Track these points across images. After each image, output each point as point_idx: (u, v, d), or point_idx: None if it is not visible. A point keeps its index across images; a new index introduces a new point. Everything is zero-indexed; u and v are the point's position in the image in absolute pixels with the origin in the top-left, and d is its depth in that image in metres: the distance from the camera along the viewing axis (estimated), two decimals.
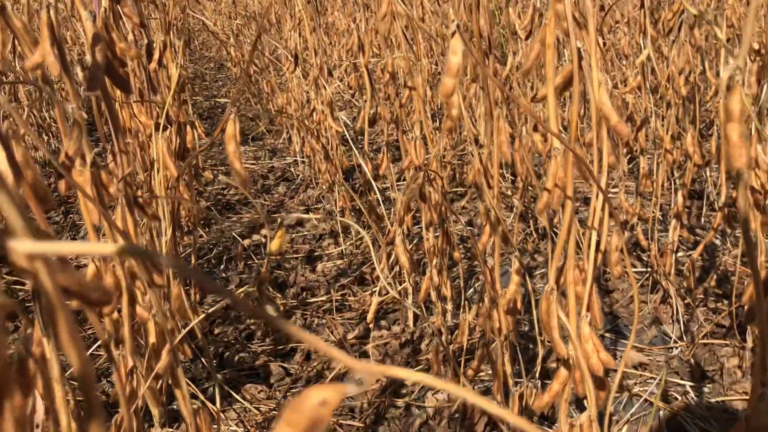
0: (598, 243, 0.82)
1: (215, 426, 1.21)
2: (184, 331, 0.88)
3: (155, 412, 0.94)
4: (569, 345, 0.86)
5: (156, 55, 1.27)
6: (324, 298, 1.93)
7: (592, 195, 0.82)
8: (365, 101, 1.93)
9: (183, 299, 1.03)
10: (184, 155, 1.35)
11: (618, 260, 0.79)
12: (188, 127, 1.36)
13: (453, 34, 0.60)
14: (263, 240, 2.39)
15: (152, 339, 0.77)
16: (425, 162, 1.50)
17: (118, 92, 1.22)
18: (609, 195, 1.83)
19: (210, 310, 1.74)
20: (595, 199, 0.81)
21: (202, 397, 1.30)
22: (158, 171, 1.22)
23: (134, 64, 1.27)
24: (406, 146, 1.58)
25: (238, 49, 4.40)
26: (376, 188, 1.82)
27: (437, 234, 1.51)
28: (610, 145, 0.80)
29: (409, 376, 0.23)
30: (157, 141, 1.19)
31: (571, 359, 0.87)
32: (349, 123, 3.92)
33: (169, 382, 0.84)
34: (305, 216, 2.51)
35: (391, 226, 1.67)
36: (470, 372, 1.34)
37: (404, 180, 2.61)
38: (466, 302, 1.68)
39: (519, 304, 1.20)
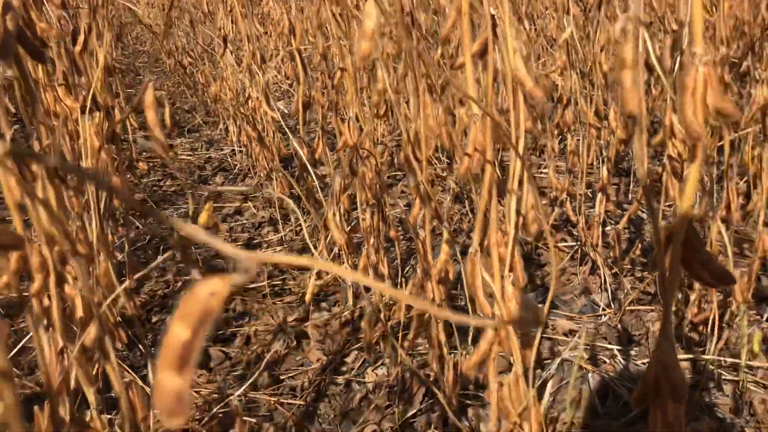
0: (518, 206, 0.85)
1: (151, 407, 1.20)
2: (110, 297, 0.88)
3: (89, 392, 0.94)
4: (495, 306, 0.89)
5: (81, 38, 1.25)
6: (264, 283, 1.93)
7: (511, 160, 0.85)
8: (300, 89, 1.94)
9: (111, 274, 1.02)
10: (114, 140, 1.33)
11: (534, 218, 0.83)
12: (116, 111, 1.35)
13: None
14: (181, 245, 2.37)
15: (79, 313, 0.76)
16: (359, 141, 1.52)
17: (41, 74, 1.20)
18: (540, 174, 1.89)
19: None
20: (513, 164, 0.84)
21: (141, 383, 1.29)
22: (86, 156, 1.21)
23: (60, 49, 1.25)
24: (340, 128, 1.59)
25: (171, 41, 4.33)
26: (312, 173, 1.83)
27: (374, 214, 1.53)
28: (527, 110, 0.83)
29: (291, 261, 0.24)
30: (83, 123, 1.17)
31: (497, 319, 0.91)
32: (287, 112, 3.91)
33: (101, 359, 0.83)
34: (227, 189, 2.51)
35: (327, 205, 1.68)
36: (407, 344, 1.37)
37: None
38: (404, 279, 1.71)
39: (450, 275, 1.24)
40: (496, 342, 0.93)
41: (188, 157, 3.26)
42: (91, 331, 0.72)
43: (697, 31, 0.58)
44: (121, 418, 0.82)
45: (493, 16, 0.78)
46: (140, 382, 1.30)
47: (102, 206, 1.13)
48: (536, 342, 0.88)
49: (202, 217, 0.89)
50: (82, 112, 1.18)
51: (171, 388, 0.24)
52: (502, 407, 0.94)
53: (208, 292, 0.23)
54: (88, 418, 0.94)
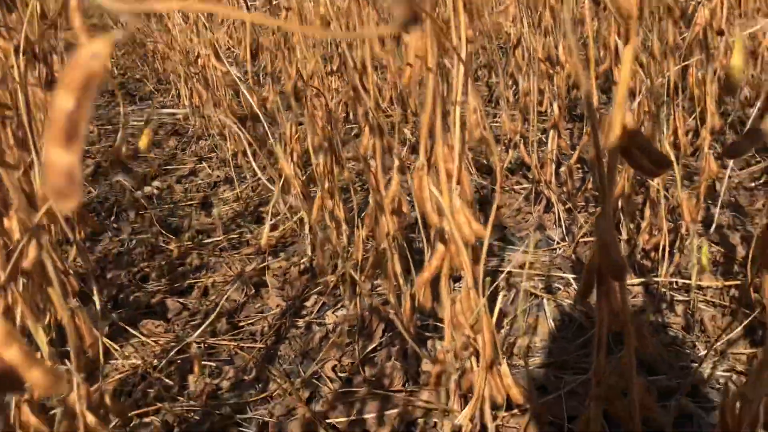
0: (462, 119, 0.85)
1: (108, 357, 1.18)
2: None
3: (35, 329, 0.92)
4: (444, 221, 0.89)
5: None
6: (221, 238, 1.91)
7: (454, 71, 0.84)
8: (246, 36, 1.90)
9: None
10: (52, 85, 1.29)
11: (476, 123, 0.83)
12: (54, 57, 1.30)
13: None
14: (155, 191, 2.33)
15: (16, 236, 0.74)
16: (306, 78, 1.50)
17: None
18: (493, 123, 1.88)
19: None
20: (456, 73, 0.84)
21: (97, 333, 1.27)
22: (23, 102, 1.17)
23: None
24: (287, 70, 1.57)
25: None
26: (264, 123, 1.81)
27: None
28: (467, 18, 0.82)
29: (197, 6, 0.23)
30: (17, 62, 1.13)
31: (446, 234, 0.91)
32: (241, 77, 3.84)
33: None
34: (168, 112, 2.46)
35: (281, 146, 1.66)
36: (365, 281, 1.37)
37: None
38: (360, 222, 1.70)
39: (404, 207, 1.24)
40: (447, 258, 0.93)
41: (140, 123, 3.19)
42: (30, 253, 0.70)
43: None
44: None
45: None
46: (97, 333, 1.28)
47: None
48: (485, 251, 0.88)
49: (142, 142, 0.87)
50: (15, 52, 1.14)
51: (60, 165, 0.23)
52: (455, 323, 0.95)
53: (89, 55, 0.22)
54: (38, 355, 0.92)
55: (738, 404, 0.68)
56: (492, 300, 0.96)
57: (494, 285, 1.39)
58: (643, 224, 1.46)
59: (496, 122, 2.54)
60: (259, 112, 1.80)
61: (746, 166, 1.95)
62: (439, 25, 0.77)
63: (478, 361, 0.99)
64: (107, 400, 0.85)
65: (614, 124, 0.61)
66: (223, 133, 2.46)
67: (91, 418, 0.73)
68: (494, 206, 0.85)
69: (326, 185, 1.55)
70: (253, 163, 1.64)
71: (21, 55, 1.13)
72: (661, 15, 1.27)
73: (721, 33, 1.25)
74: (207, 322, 1.42)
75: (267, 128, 1.81)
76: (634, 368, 0.72)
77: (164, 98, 3.65)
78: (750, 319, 1.23)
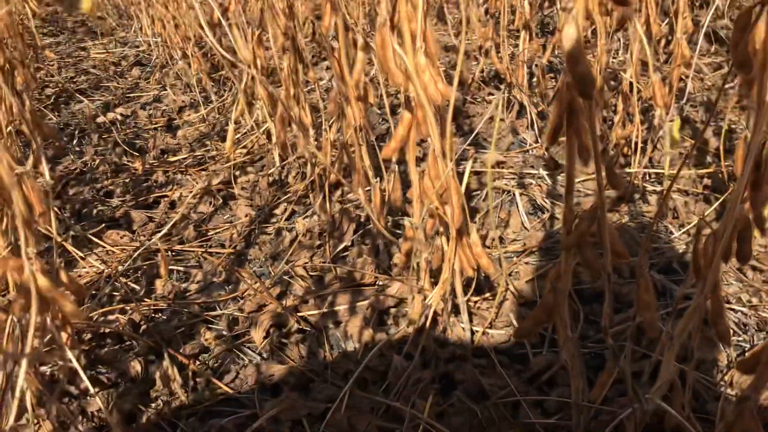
0: None
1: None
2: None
3: None
4: (409, 84, 0.85)
5: None
6: (186, 155, 1.86)
7: None
8: None
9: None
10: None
11: None
12: None
13: None
14: (119, 117, 2.26)
15: None
16: None
17: None
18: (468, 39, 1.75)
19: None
20: None
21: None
22: None
23: None
24: None
25: None
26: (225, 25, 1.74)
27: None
28: None
29: None
30: None
31: (412, 100, 0.87)
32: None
33: None
34: None
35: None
36: (332, 178, 1.34)
37: None
38: (329, 126, 1.66)
39: (370, 96, 1.20)
40: (414, 125, 0.89)
41: (101, 55, 3.09)
42: None
43: None
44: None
45: None
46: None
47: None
48: (450, 118, 0.85)
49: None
50: None
51: None
52: (423, 195, 0.92)
53: None
54: None
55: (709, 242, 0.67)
56: (461, 176, 0.93)
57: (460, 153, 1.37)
58: (616, 118, 1.44)
59: (469, 38, 2.48)
60: (222, 20, 1.73)
61: (718, 69, 1.93)
62: None
63: (448, 238, 0.97)
64: (63, 277, 0.81)
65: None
66: (186, 55, 2.38)
67: (43, 281, 0.69)
68: (458, 62, 0.81)
69: (291, 91, 1.51)
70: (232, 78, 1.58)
71: None
72: None
73: None
74: (170, 226, 1.39)
75: (232, 37, 1.75)
76: (605, 209, 0.70)
77: (127, 33, 3.53)
78: (722, 199, 1.22)
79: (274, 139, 1.71)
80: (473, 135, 1.69)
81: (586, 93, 0.58)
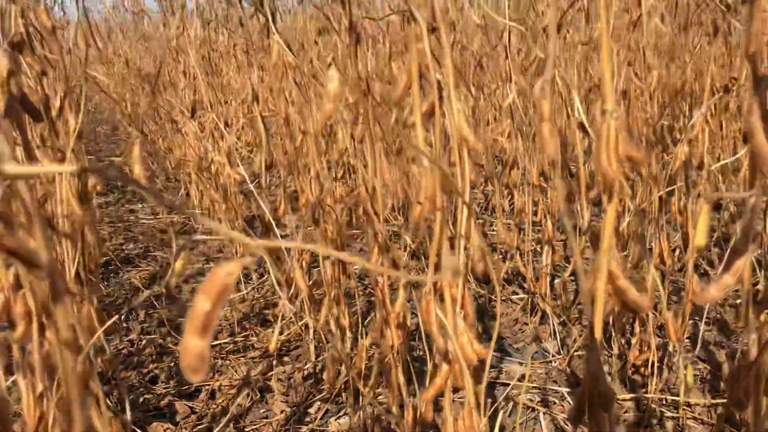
0: (466, 247, 0.95)
1: None
2: (91, 341, 0.93)
3: None
4: (448, 341, 0.97)
5: (57, 103, 1.33)
6: (228, 340, 1.98)
7: (459, 208, 0.95)
8: (262, 151, 2.04)
9: (93, 317, 1.08)
10: (87, 197, 1.40)
11: (480, 257, 0.92)
12: (94, 182, 1.42)
13: (329, 65, 0.72)
14: (164, 291, 2.41)
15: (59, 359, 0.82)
16: (320, 198, 1.61)
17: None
18: (491, 231, 2.02)
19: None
20: (461, 211, 0.94)
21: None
22: (62, 214, 1.27)
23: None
24: (302, 186, 1.69)
25: (132, 108, 4.41)
26: (276, 231, 1.91)
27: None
28: (471, 163, 0.94)
29: (299, 245, 0.33)
30: (61, 182, 1.24)
31: (450, 354, 0.99)
32: (246, 177, 4.00)
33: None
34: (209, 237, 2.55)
35: (289, 258, 1.76)
36: (367, 389, 1.44)
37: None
38: (364, 330, 1.78)
39: (408, 321, 1.32)
40: (451, 377, 1.01)
41: (150, 221, 3.31)
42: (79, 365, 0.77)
43: (607, 90, 0.70)
44: None
45: (438, 81, 0.89)
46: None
47: (77, 260, 1.19)
48: (485, 376, 0.96)
49: (179, 265, 0.96)
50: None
51: (194, 349, 0.32)
52: None
53: (225, 272, 0.31)
54: None
55: None
56: (493, 417, 1.03)
57: (494, 406, 1.46)
58: (633, 340, 1.54)
59: (493, 230, 2.65)
60: (272, 222, 1.91)
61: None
62: (445, 172, 0.88)
63: None
64: None
65: (600, 270, 0.71)
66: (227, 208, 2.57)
67: None
68: (493, 337, 0.93)
69: (332, 293, 1.64)
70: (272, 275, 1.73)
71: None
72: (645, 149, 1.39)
73: (700, 167, 1.38)
74: (210, 420, 1.47)
75: (277, 233, 1.91)
76: None
77: (174, 197, 3.78)
78: None
79: (311, 332, 1.83)
80: (498, 340, 1.79)
81: (605, 409, 0.69)
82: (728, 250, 0.70)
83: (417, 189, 0.94)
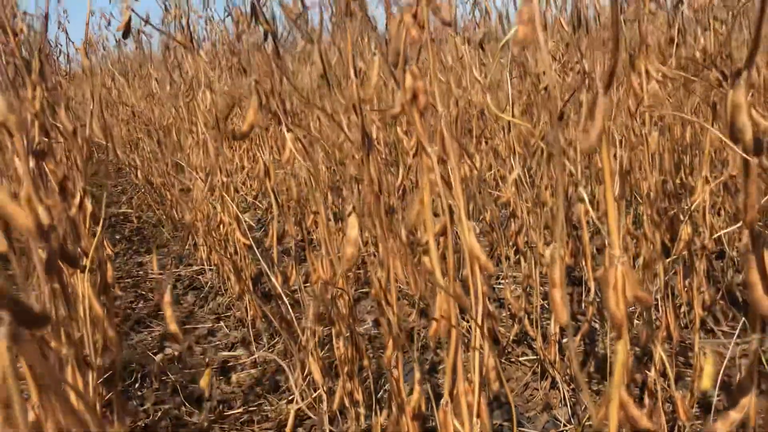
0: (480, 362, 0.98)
1: None
2: None
3: None
4: None
5: (77, 200, 1.38)
6: (241, 410, 2.00)
7: (472, 323, 0.98)
8: (271, 216, 2.08)
9: None
10: (107, 291, 1.44)
11: (495, 378, 0.96)
12: (108, 264, 1.46)
13: (349, 213, 0.76)
14: (175, 353, 2.44)
15: None
16: (332, 279, 1.65)
17: None
18: (497, 284, 2.06)
19: None
20: (474, 328, 0.98)
21: None
22: (83, 309, 1.31)
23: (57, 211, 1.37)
24: (313, 262, 1.72)
25: (139, 158, 4.48)
26: (286, 300, 1.95)
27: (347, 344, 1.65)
28: (484, 278, 0.98)
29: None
30: (80, 280, 1.28)
31: None
32: (253, 225, 4.04)
33: None
34: None
35: (302, 333, 1.79)
36: None
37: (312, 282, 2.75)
38: (377, 405, 1.81)
39: (423, 408, 1.35)
40: None
41: (159, 276, 3.34)
42: None
43: (614, 237, 0.74)
44: None
45: (450, 205, 0.93)
46: None
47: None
48: None
49: (204, 381, 1.00)
50: (81, 271, 1.30)
51: None
52: None
53: None
54: None
55: None
56: None
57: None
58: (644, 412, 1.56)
59: (499, 283, 2.68)
60: (283, 294, 1.95)
61: (741, 343, 2.07)
62: (458, 292, 0.92)
63: None
64: None
65: (612, 400, 0.74)
66: (241, 295, 2.60)
67: None
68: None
69: (346, 369, 1.67)
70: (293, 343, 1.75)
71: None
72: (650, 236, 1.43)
73: (704, 247, 1.41)
74: None
75: (288, 301, 1.95)
76: None
77: (181, 248, 3.82)
78: None
79: (324, 405, 1.86)
80: (508, 408, 1.82)
81: None
82: (738, 383, 0.74)
83: (430, 287, 0.98)
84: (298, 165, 1.74)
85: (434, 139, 0.91)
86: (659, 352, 1.41)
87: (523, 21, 0.61)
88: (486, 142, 2.77)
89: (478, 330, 0.96)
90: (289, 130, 1.35)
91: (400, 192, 2.00)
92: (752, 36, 0.60)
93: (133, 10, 1.16)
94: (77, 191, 1.42)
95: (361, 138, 1.13)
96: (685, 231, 1.40)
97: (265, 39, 1.50)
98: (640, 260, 1.62)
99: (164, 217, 4.35)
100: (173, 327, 0.82)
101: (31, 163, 1.05)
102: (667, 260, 1.62)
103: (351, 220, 0.77)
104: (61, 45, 9.34)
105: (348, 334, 1.62)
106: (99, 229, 1.31)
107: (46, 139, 1.26)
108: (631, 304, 0.72)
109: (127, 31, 1.13)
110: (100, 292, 1.39)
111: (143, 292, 3.11)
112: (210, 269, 3.16)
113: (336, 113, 1.54)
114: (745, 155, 0.63)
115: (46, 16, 1.30)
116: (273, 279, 1.96)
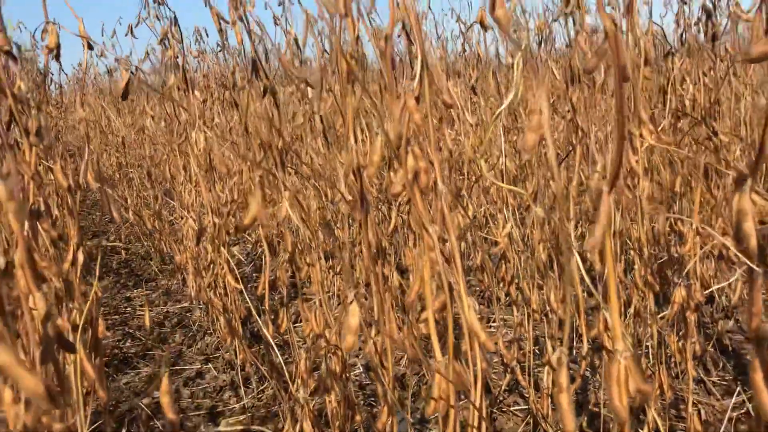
0: None
1: None
2: None
3: None
4: None
5: (70, 256, 1.37)
6: None
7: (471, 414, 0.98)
8: (261, 249, 2.07)
9: None
10: (97, 346, 1.42)
11: None
12: (100, 321, 1.44)
13: (351, 302, 0.76)
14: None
15: None
16: (325, 332, 1.64)
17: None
18: (489, 329, 2.03)
19: None
20: (472, 411, 0.98)
21: None
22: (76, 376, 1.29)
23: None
24: (306, 313, 1.71)
25: (128, 188, 4.46)
26: (277, 352, 1.93)
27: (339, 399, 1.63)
28: (483, 354, 0.97)
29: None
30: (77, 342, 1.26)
31: None
32: (242, 259, 4.02)
33: None
34: None
35: (292, 383, 1.77)
36: None
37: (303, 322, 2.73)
38: None
39: None
40: None
41: (146, 313, 3.30)
42: None
43: (617, 332, 0.74)
44: None
45: (449, 283, 0.93)
46: None
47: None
48: None
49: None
50: (74, 330, 1.28)
51: None
52: None
53: None
54: None
55: None
56: None
57: None
58: None
59: (490, 326, 2.68)
60: (271, 341, 1.93)
61: (728, 396, 2.07)
62: (458, 373, 0.92)
63: None
64: None
65: None
66: (232, 334, 2.58)
67: None
68: None
69: (337, 423, 1.66)
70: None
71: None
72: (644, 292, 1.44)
73: (698, 308, 1.42)
74: None
75: (279, 355, 1.93)
76: None
77: (169, 282, 3.78)
78: None
79: None
80: None
81: None
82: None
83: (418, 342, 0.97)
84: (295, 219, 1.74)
85: (435, 218, 0.91)
86: (652, 413, 1.40)
87: (532, 128, 0.62)
88: (477, 182, 2.79)
89: (475, 414, 0.95)
90: (286, 188, 1.35)
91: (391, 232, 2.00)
92: (758, 144, 0.61)
93: (132, 73, 1.16)
94: (71, 247, 1.41)
95: (360, 201, 1.13)
96: (679, 293, 1.41)
97: (264, 95, 1.51)
98: (631, 309, 1.63)
99: (152, 249, 4.32)
100: (171, 416, 0.80)
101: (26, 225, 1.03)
102: (659, 316, 1.63)
103: (352, 308, 0.77)
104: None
105: (340, 390, 1.61)
106: (94, 283, 1.30)
107: (41, 200, 1.25)
108: (634, 397, 0.71)
109: (126, 93, 1.13)
110: (90, 350, 1.38)
111: (131, 330, 3.08)
112: (199, 307, 3.13)
113: (334, 171, 1.54)
114: (749, 263, 0.64)
115: (45, 74, 1.30)
116: (264, 328, 1.94)
